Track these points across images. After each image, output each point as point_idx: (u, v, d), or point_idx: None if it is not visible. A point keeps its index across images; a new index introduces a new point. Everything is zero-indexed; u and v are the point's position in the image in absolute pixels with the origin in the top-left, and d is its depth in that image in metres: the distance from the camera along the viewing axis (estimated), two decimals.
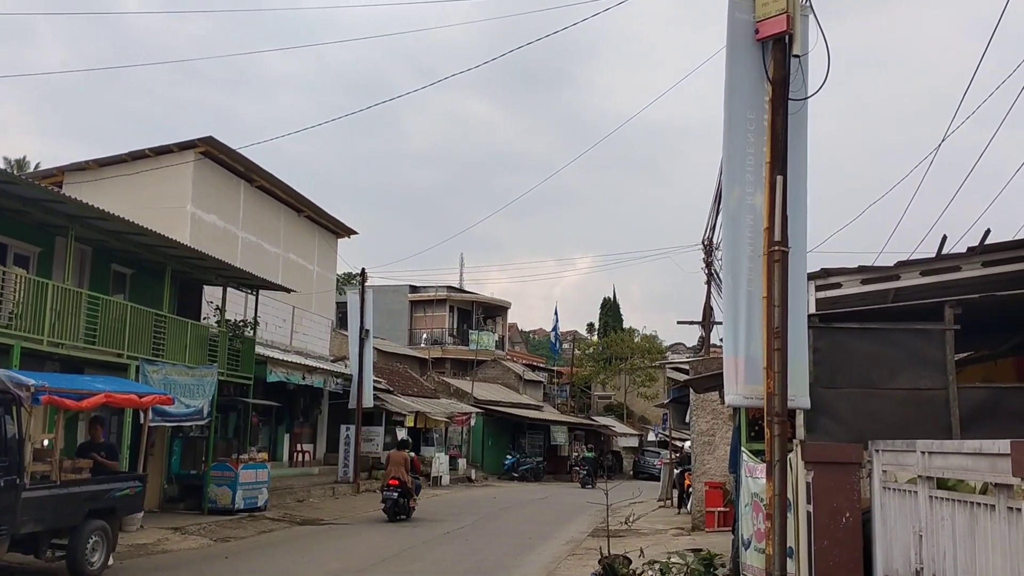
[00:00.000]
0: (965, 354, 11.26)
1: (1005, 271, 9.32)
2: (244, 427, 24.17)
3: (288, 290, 26.00)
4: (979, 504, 5.63)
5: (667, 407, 33.64)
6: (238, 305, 24.84)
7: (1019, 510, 5.04)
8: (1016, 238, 9.77)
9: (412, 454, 23.05)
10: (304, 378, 28.05)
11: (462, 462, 39.90)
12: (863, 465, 7.93)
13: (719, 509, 18.26)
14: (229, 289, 23.37)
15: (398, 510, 21.07)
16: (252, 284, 23.95)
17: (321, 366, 30.25)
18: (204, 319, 23.32)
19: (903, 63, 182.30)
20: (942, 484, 6.39)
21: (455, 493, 32.52)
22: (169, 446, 22.20)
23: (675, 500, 26.70)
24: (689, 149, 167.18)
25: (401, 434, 27.66)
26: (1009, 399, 8.95)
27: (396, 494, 21.01)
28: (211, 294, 23.93)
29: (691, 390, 20.45)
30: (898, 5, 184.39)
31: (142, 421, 15.04)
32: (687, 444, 27.68)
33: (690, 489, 23.02)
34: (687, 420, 22.70)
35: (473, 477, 39.25)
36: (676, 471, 27.82)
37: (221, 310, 22.84)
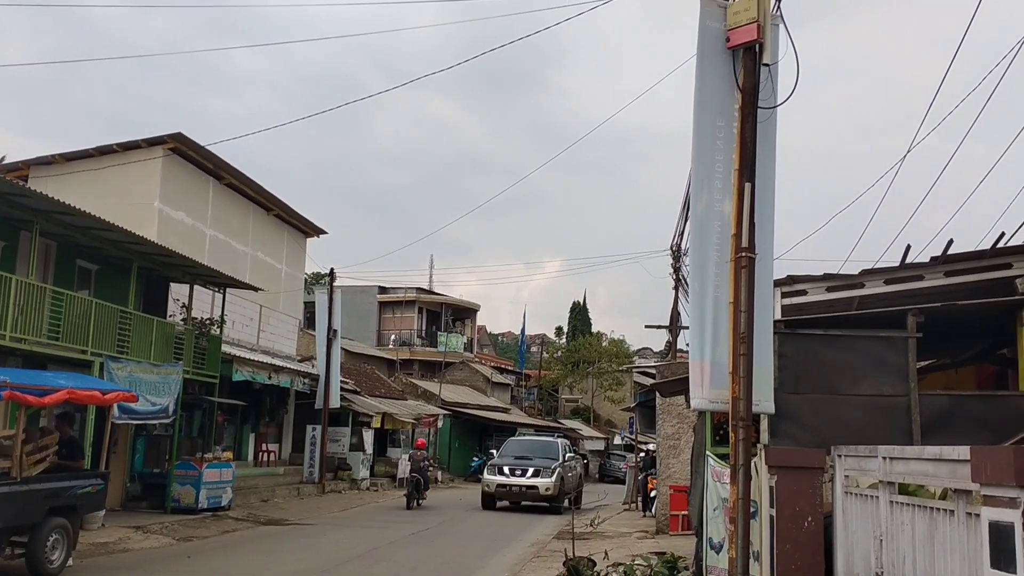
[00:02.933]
0: (927, 362, 11.42)
1: (966, 280, 9.48)
2: (209, 426, 23.96)
3: (256, 289, 25.82)
4: (939, 509, 5.72)
5: (634, 411, 33.81)
6: (205, 303, 24.65)
7: (977, 516, 5.12)
8: (978, 248, 9.93)
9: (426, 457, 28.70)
10: (270, 377, 27.87)
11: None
12: (826, 470, 8.03)
13: (683, 512, 18.36)
14: (196, 287, 23.18)
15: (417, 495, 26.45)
16: (219, 282, 23.77)
17: (288, 366, 30.07)
18: (170, 317, 23.11)
19: (867, 74, 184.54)
20: (903, 489, 6.49)
21: None
22: (132, 444, 21.97)
23: (640, 504, 26.87)
24: (657, 154, 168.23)
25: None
26: (968, 406, 9.10)
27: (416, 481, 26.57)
28: (178, 292, 23.72)
29: (658, 394, 20.57)
30: (863, 17, 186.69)
31: (106, 418, 14.89)
32: (650, 447, 27.80)
33: (653, 493, 23.13)
34: (655, 424, 22.82)
35: (440, 479, 39.18)
36: (640, 475, 27.81)
37: (188, 308, 22.65)
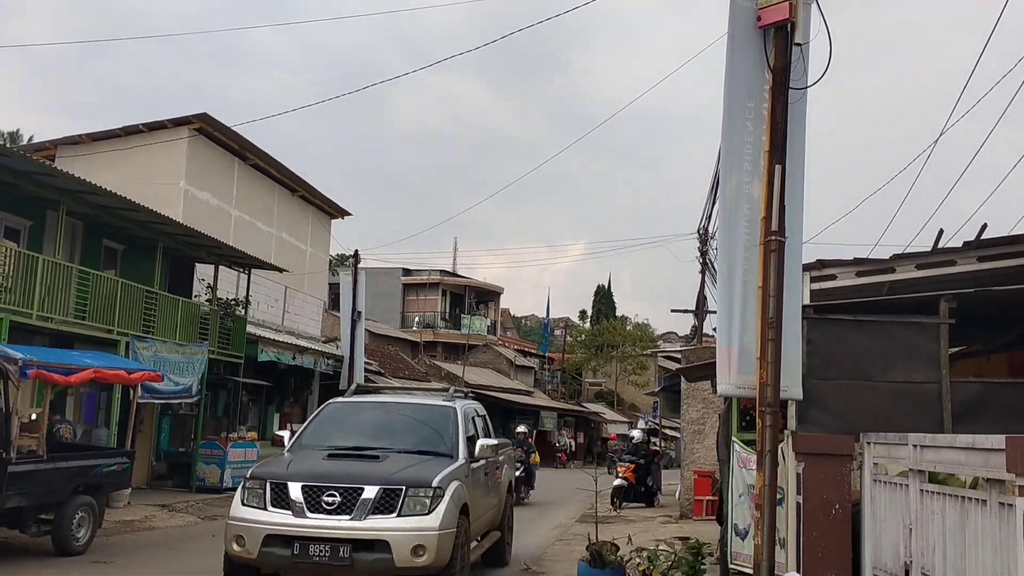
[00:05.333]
0: (958, 348, 11.24)
1: (1000, 266, 9.28)
2: (234, 406, 24.12)
3: (281, 270, 25.91)
4: (970, 499, 5.60)
5: (658, 395, 33.69)
6: (230, 284, 24.76)
7: (1011, 506, 5.01)
8: (1012, 233, 9.73)
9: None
10: (295, 358, 27.98)
11: None
12: (854, 457, 7.91)
13: (707, 498, 18.28)
14: (221, 267, 23.28)
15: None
16: (244, 263, 23.86)
17: (312, 347, 30.18)
18: (195, 297, 23.24)
19: (899, 57, 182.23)
20: (933, 478, 6.37)
21: None
22: (158, 423, 22.16)
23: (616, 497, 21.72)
24: (683, 137, 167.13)
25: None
26: (1001, 394, 8.93)
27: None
28: (203, 272, 23.84)
29: (683, 379, 20.45)
30: (895, 1, 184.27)
31: (131, 398, 14.97)
32: (635, 434, 25.35)
33: (617, 480, 21.54)
34: (679, 409, 22.69)
35: None
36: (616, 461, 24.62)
37: (213, 288, 22.76)
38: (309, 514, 8.60)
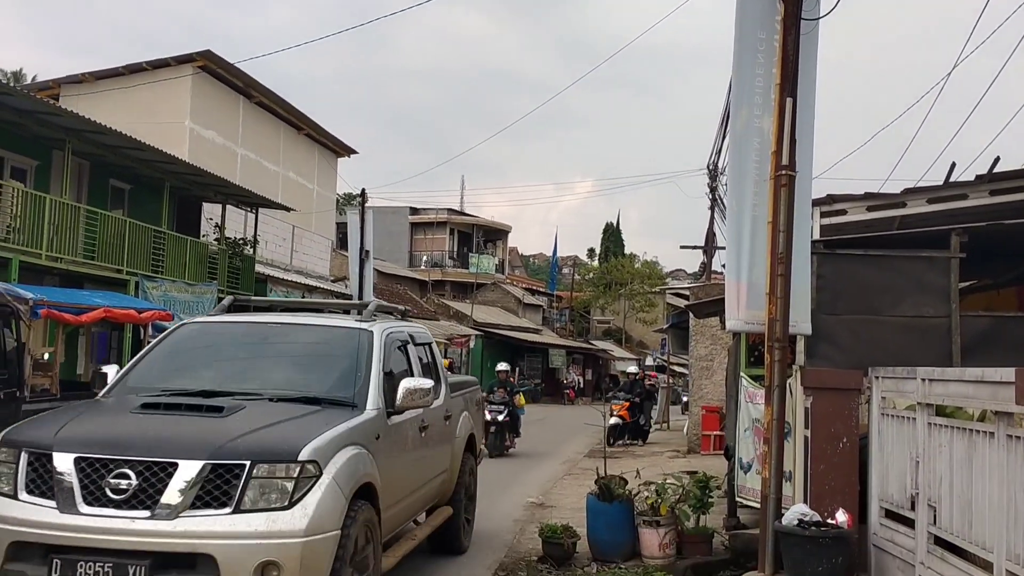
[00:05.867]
0: (969, 283, 11.20)
1: (1013, 200, 9.19)
2: None
3: (288, 209, 25.88)
4: (978, 431, 5.62)
5: (666, 332, 33.78)
6: (238, 223, 24.75)
7: (1019, 438, 5.03)
8: None
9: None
10: (304, 297, 28.09)
11: None
12: (862, 391, 7.93)
13: (715, 432, 18.44)
14: (228, 207, 23.26)
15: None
16: (252, 202, 23.84)
17: (321, 286, 30.29)
18: (203, 236, 23.27)
19: None
20: (940, 411, 6.39)
21: None
22: None
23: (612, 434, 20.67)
24: (693, 71, 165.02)
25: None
26: (1011, 328, 8.92)
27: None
28: (210, 211, 23.84)
29: (691, 316, 20.48)
30: None
31: (142, 337, 15.09)
32: (631, 369, 25.24)
33: (613, 419, 20.69)
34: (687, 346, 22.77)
35: None
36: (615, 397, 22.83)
37: (221, 227, 22.77)
38: (84, 507, 5.18)
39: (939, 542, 6.15)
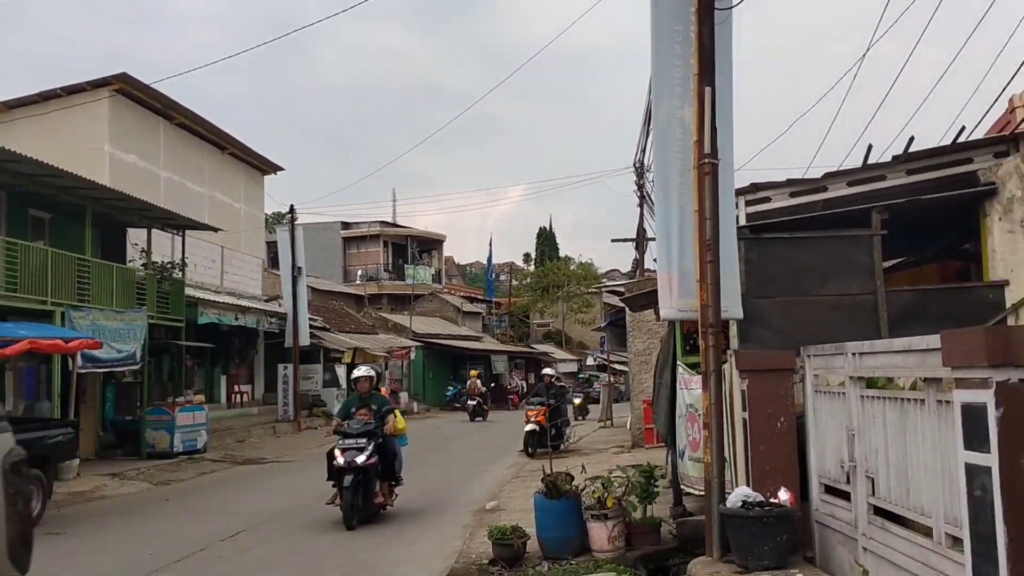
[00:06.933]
0: (893, 262, 11.48)
1: (929, 178, 9.44)
2: (179, 370, 23.80)
3: (215, 229, 25.46)
4: (909, 400, 5.74)
5: (604, 331, 34.02)
6: (165, 247, 24.27)
7: (948, 403, 5.14)
8: (939, 144, 9.88)
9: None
10: (237, 318, 27.65)
11: (404, 396, 39.96)
12: (796, 371, 8.06)
13: None
14: (154, 230, 22.79)
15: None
16: (178, 224, 23.40)
17: (254, 306, 29.83)
18: (130, 262, 22.75)
19: None
20: (872, 384, 6.52)
21: None
22: (102, 393, 21.80)
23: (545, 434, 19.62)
24: (616, 72, 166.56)
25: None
26: (934, 301, 9.16)
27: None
28: (136, 236, 23.31)
29: (627, 312, 20.65)
30: None
31: (70, 368, 14.70)
32: (547, 371, 23.42)
33: (529, 426, 19.98)
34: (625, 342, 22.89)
35: (416, 410, 39.40)
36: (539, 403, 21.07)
37: (147, 252, 22.28)
38: None
39: (879, 512, 6.27)
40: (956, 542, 4.94)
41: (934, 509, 5.31)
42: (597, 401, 41.57)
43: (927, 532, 5.47)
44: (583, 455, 17.74)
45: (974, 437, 4.24)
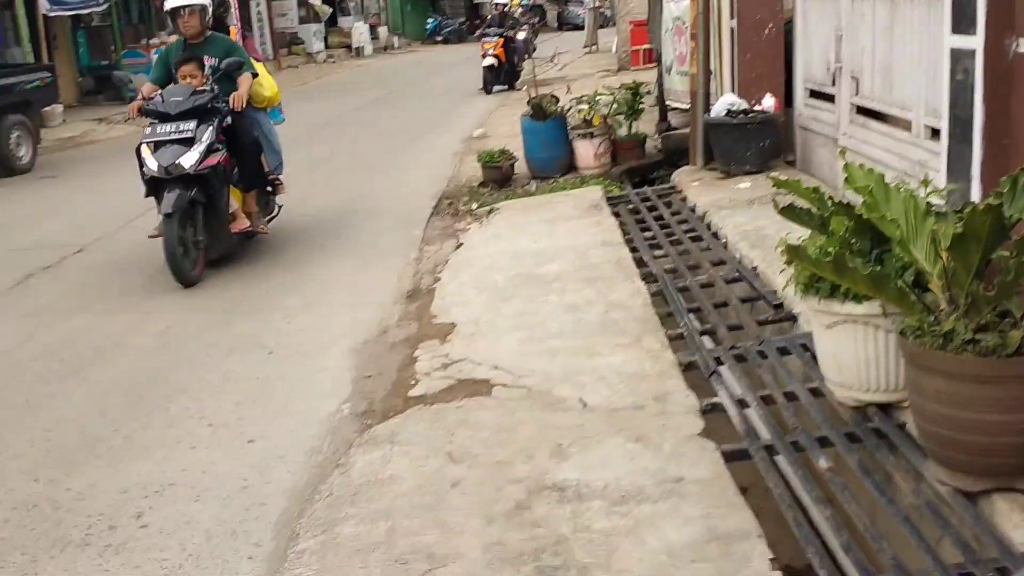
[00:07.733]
0: None
1: None
2: (148, 11, 22.93)
3: None
4: None
5: None
6: None
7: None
8: None
9: None
10: None
11: (383, 31, 38.80)
12: None
13: (644, 47, 18.27)
14: None
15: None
16: None
17: None
18: None
19: None
20: None
21: (378, 62, 32.05)
22: (73, 38, 21.15)
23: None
24: None
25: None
26: None
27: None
28: None
29: None
30: None
31: (35, 10, 14.16)
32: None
33: (488, 60, 18.74)
34: None
35: (396, 45, 38.51)
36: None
37: None
38: None
39: (861, 111, 6.36)
40: (934, 134, 5.06)
41: (915, 103, 5.39)
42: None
43: (906, 126, 5.59)
44: (569, 80, 17.62)
45: (962, 19, 4.20)
